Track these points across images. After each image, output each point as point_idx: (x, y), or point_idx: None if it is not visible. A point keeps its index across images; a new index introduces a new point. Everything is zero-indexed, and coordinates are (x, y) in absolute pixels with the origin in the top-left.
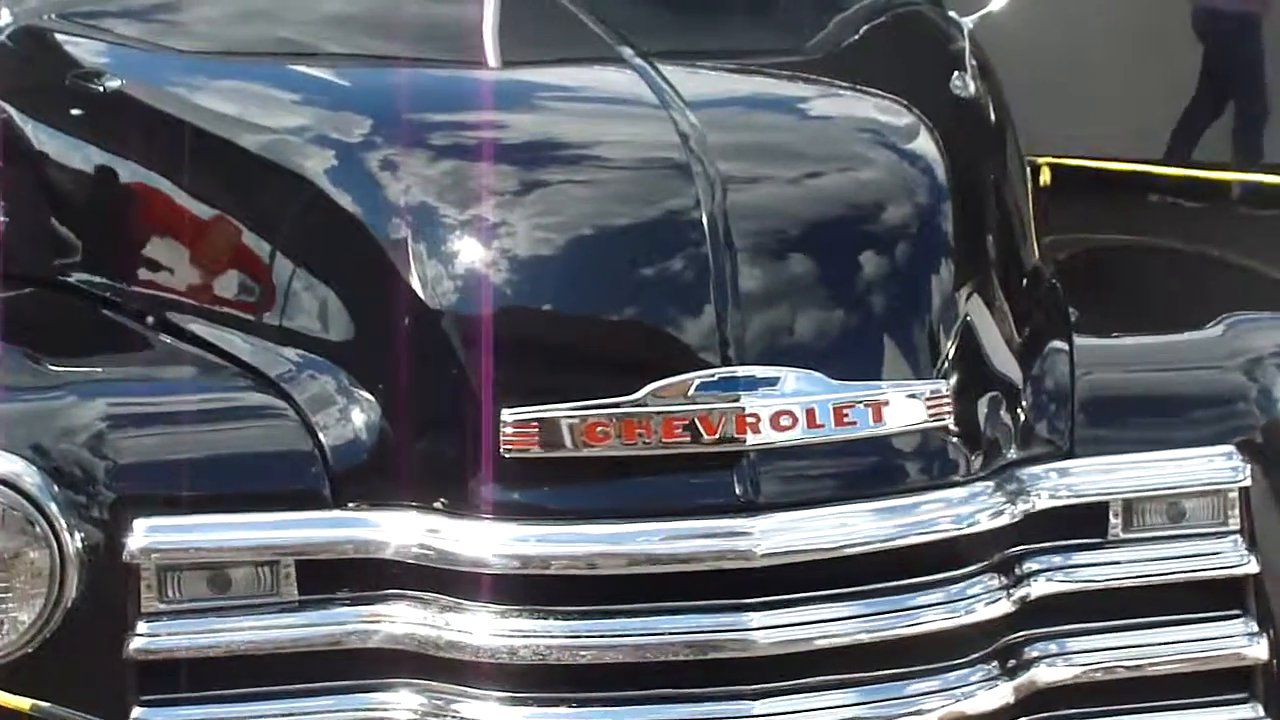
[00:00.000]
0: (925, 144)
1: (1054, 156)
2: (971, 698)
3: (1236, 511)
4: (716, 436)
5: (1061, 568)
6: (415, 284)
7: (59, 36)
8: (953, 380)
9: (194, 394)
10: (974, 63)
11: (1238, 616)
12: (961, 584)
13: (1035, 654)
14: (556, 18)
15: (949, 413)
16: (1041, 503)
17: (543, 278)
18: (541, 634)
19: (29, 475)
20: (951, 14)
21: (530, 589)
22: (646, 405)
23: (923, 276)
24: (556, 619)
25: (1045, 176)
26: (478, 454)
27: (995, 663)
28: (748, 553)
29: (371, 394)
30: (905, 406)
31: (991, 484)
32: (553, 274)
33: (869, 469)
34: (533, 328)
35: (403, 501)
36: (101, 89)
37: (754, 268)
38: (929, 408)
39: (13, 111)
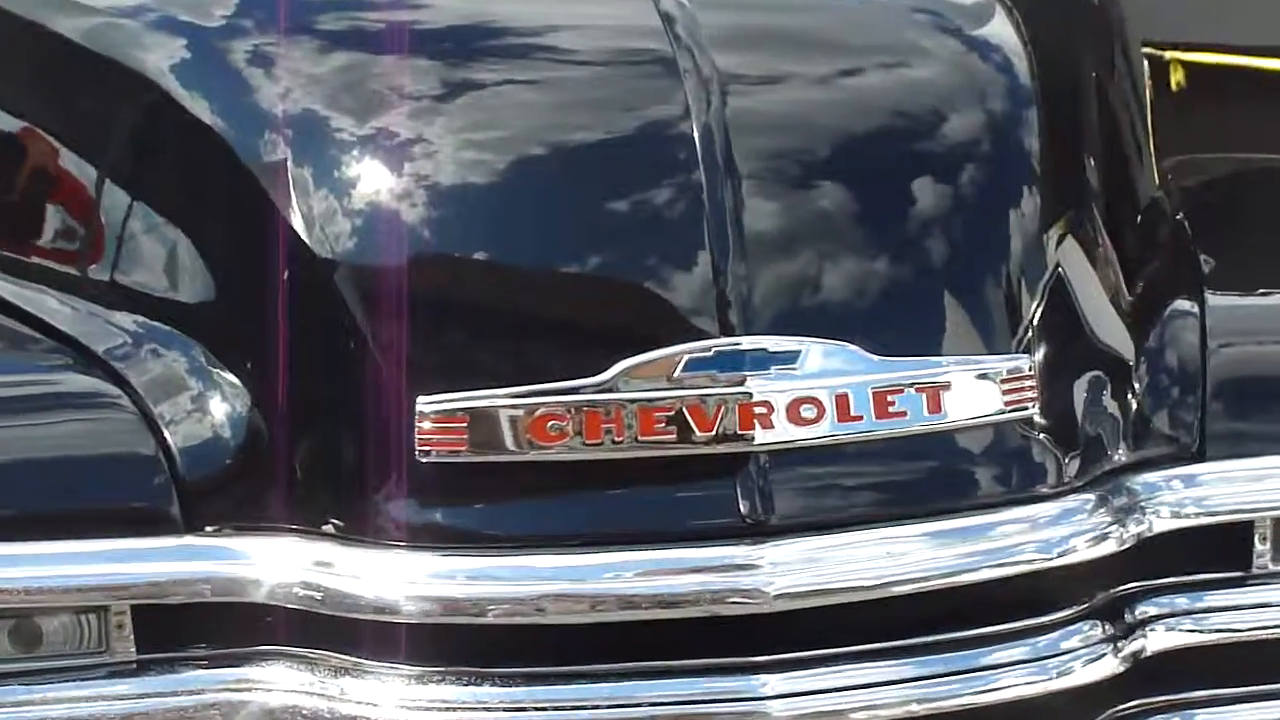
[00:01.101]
0: (1001, 29)
1: (1186, 49)
2: None
3: None
4: (713, 433)
5: (1189, 613)
6: (298, 224)
7: None
8: (1039, 355)
9: None
10: None
11: None
12: (1051, 636)
13: None
14: None
15: (1033, 399)
16: (1161, 523)
17: (474, 215)
18: (473, 706)
19: None
20: None
21: (457, 645)
22: (617, 390)
23: (997, 212)
24: (494, 685)
25: (1176, 76)
26: (384, 458)
27: None
28: (756, 593)
29: (238, 376)
30: (973, 391)
31: (1092, 498)
32: (488, 209)
33: (923, 478)
34: (461, 284)
35: (281, 524)
36: None
37: (764, 200)
38: (1006, 393)
39: None
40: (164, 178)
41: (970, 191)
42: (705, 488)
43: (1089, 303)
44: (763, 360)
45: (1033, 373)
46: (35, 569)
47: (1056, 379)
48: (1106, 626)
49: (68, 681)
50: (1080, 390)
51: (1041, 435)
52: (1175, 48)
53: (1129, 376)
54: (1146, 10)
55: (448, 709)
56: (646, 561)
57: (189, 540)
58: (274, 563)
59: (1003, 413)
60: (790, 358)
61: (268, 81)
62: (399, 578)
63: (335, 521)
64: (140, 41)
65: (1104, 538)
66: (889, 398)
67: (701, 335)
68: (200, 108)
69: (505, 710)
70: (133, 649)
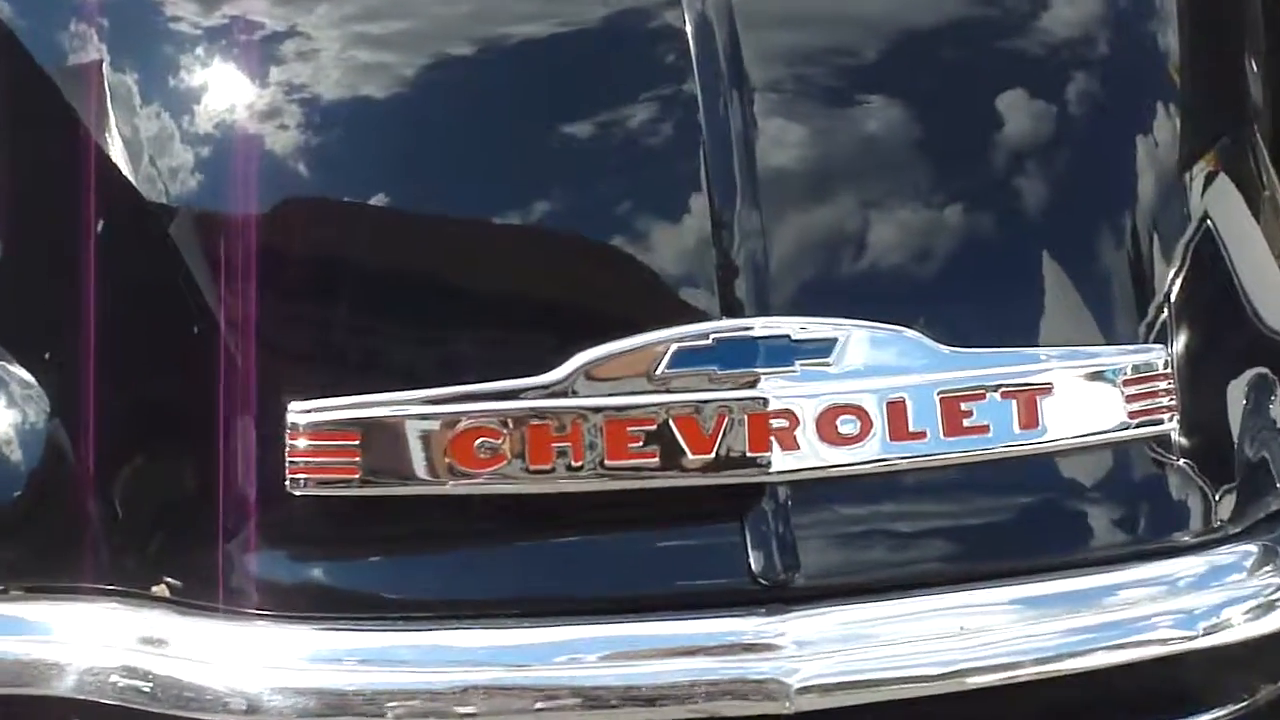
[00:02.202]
0: None
1: None
2: None
3: None
4: (712, 456)
5: None
6: (117, 154)
7: None
8: (1178, 346)
9: None
10: None
11: None
12: None
13: None
14: None
15: (1170, 409)
16: None
17: (370, 143)
18: None
19: None
20: None
21: None
22: (575, 394)
23: (1116, 140)
24: None
25: None
26: (241, 490)
27: None
28: (773, 685)
29: (31, 372)
30: (1084, 397)
31: (1255, 550)
32: (390, 134)
33: (1011, 522)
34: (351, 242)
35: (94, 584)
36: None
37: (784, 121)
38: (1131, 400)
39: None
40: None
41: (1077, 110)
42: (700, 534)
43: (1250, 270)
44: (783, 352)
45: (1169, 371)
46: None
47: (1203, 380)
48: None
49: None
50: (1237, 396)
51: (1182, 460)
52: None
53: None
54: None
55: None
56: (617, 639)
57: None
58: (84, 639)
59: (1126, 427)
60: (822, 349)
61: None
62: (262, 662)
63: (170, 581)
64: None
65: (1271, 607)
66: (963, 406)
67: (696, 316)
68: None
69: None
70: None
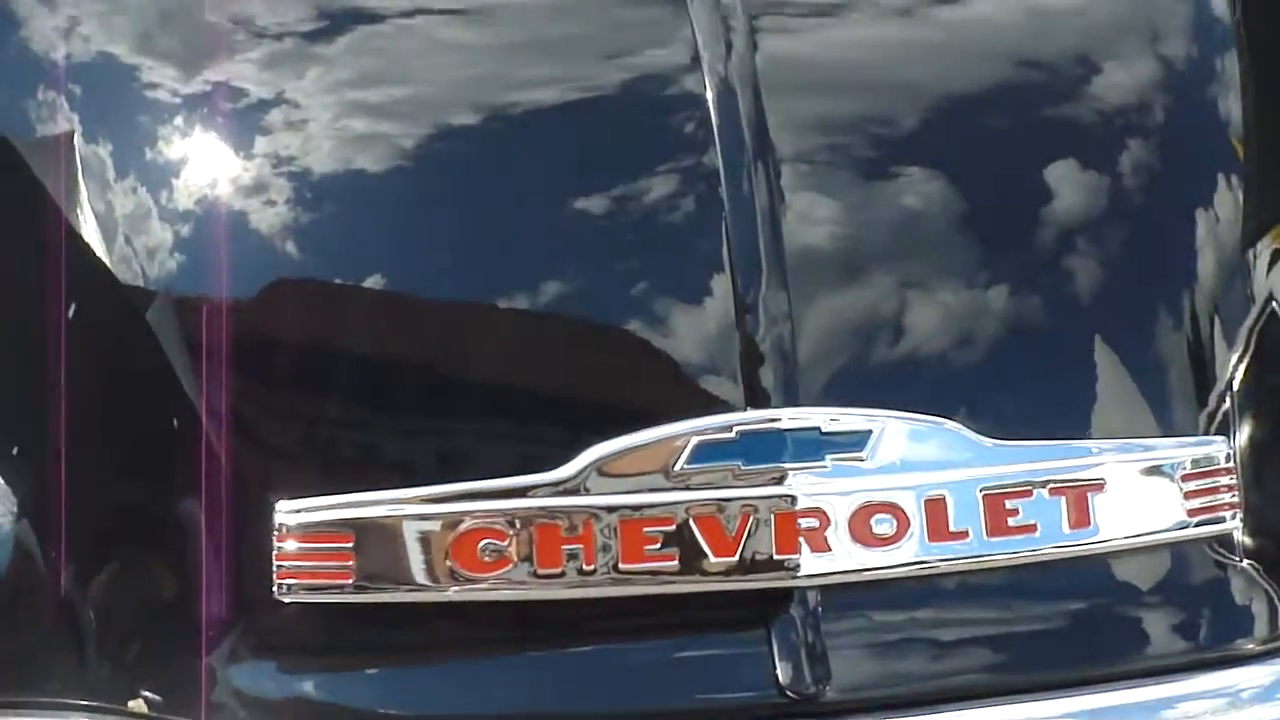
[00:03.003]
0: None
1: None
2: None
3: None
4: (736, 559)
5: None
6: (89, 233)
7: None
8: (1241, 438)
9: None
10: None
11: None
12: None
13: None
14: None
15: (1233, 506)
16: None
17: (364, 220)
18: None
19: None
20: None
21: None
22: (587, 492)
23: (1173, 215)
24: None
25: None
26: (225, 597)
27: None
28: None
29: (1, 474)
30: (1139, 494)
31: None
32: (385, 212)
33: (1062, 629)
34: (343, 328)
35: (66, 698)
36: None
37: (813, 196)
38: (1191, 496)
39: None
40: None
41: (1132, 183)
42: (723, 644)
43: None
44: (813, 446)
45: (1231, 464)
46: None
47: (1269, 474)
48: None
49: None
50: None
51: (1245, 562)
52: None
53: None
54: None
55: None
56: None
57: None
58: None
59: (1185, 526)
60: (855, 442)
61: (41, 9)
62: None
63: (149, 695)
64: None
65: None
66: (1008, 504)
67: (718, 407)
68: None
69: None
70: None
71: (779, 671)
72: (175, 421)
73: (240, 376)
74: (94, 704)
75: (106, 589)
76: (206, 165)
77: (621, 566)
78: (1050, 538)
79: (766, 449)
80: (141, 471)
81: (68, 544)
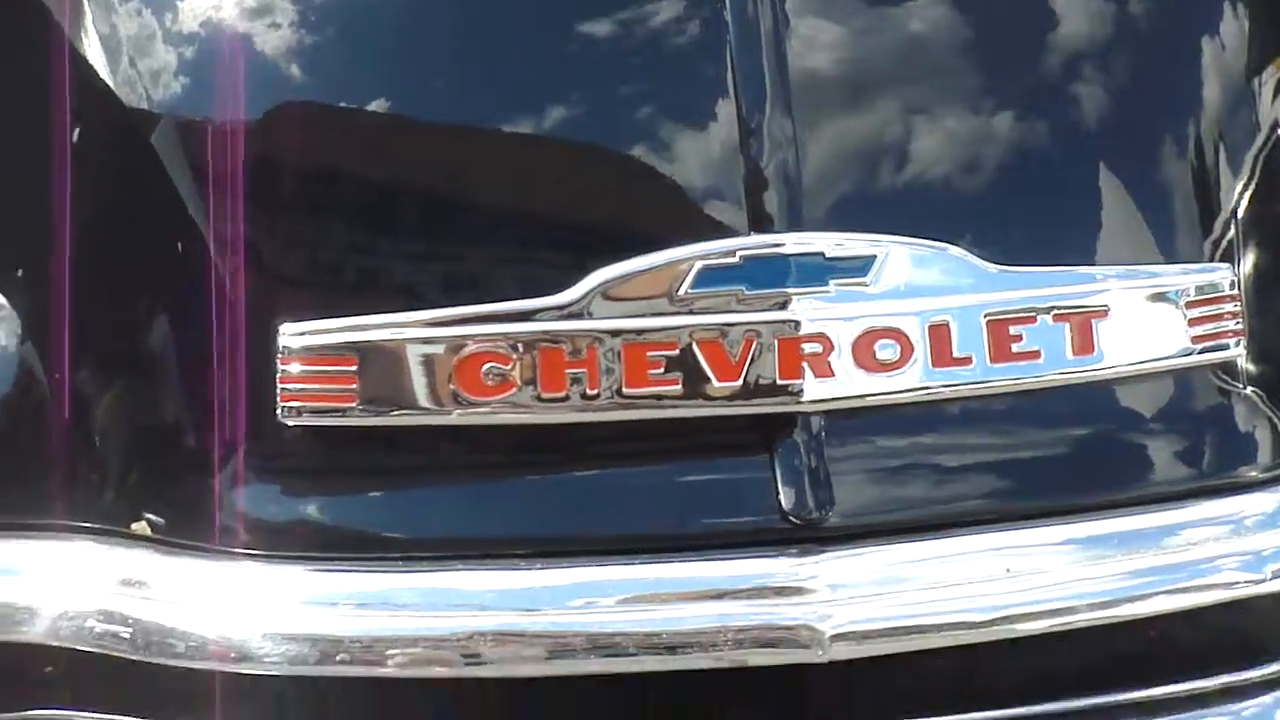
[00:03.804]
0: None
1: None
2: None
3: None
4: (739, 384)
5: None
6: (92, 52)
7: None
8: (1246, 265)
9: None
10: None
11: None
12: (1263, 702)
13: None
14: None
15: (1236, 334)
16: None
17: (369, 36)
18: None
19: None
20: None
21: (342, 710)
22: (590, 316)
23: (1180, 37)
24: None
25: None
26: (228, 420)
27: None
28: (805, 631)
29: (6, 297)
30: (1144, 320)
31: None
32: (390, 26)
33: (1064, 455)
34: (348, 148)
35: (69, 521)
36: None
37: (817, 26)
38: (1195, 323)
39: None
40: None
41: (1138, 9)
42: (727, 468)
43: None
44: (817, 271)
45: (1235, 291)
46: None
47: (1273, 301)
48: None
49: None
50: None
51: (1249, 389)
52: None
53: None
54: None
55: None
56: (636, 582)
57: None
58: (57, 581)
59: (1189, 353)
60: (859, 267)
61: None
62: (252, 605)
63: (152, 518)
64: None
65: None
66: (1012, 330)
67: (722, 232)
68: None
69: None
70: None
71: (781, 497)
72: (179, 245)
73: (244, 200)
74: (98, 526)
75: (110, 412)
76: None
77: (625, 390)
78: (1054, 364)
79: (770, 273)
80: (146, 295)
81: (71, 368)
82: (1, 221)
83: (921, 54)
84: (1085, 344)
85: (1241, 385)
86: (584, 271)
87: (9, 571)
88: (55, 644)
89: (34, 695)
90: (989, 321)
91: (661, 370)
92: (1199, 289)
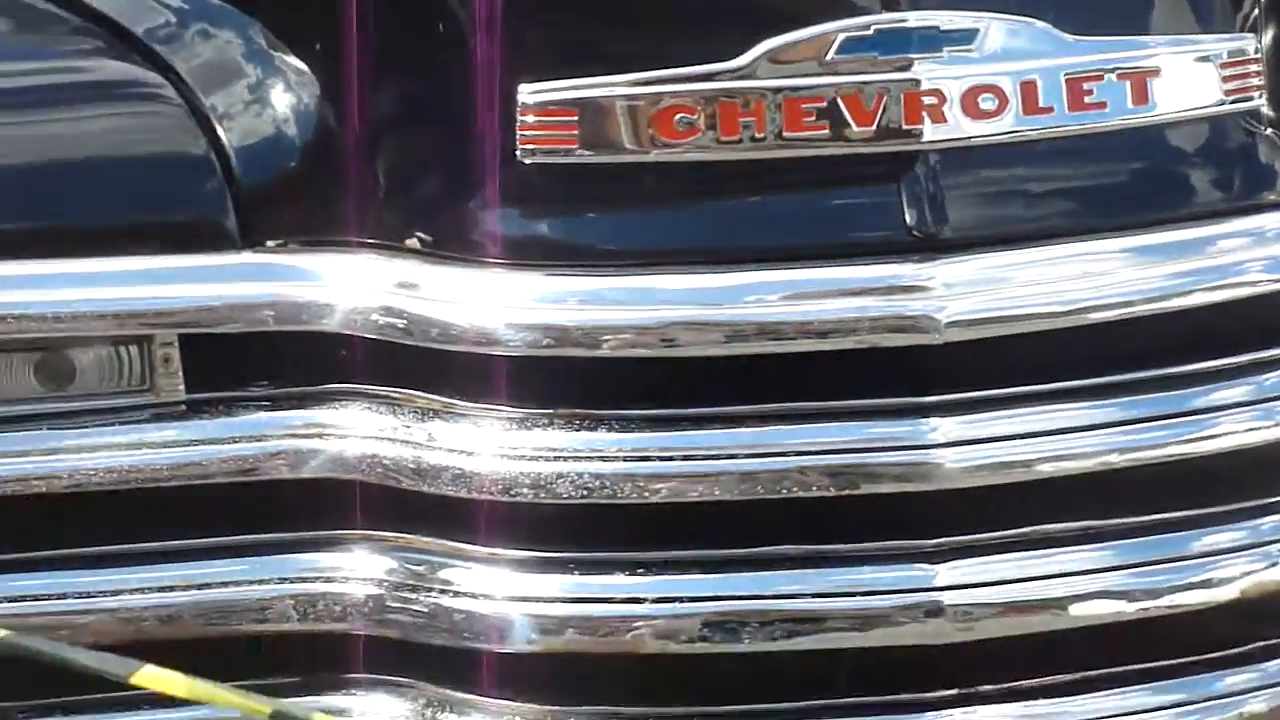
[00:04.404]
0: None
1: None
2: None
3: None
4: (873, 128)
5: None
6: None
7: None
8: (1268, 35)
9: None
10: None
11: None
12: None
13: None
14: None
15: (1259, 88)
16: None
17: None
18: (585, 454)
19: None
20: None
21: (567, 382)
22: (758, 77)
23: None
24: (611, 430)
25: None
26: (480, 159)
27: None
28: (926, 320)
29: (304, 60)
30: (1187, 78)
31: None
32: None
33: (1125, 182)
34: None
35: (357, 238)
36: None
37: None
38: (1227, 80)
39: None
40: None
41: None
42: (863, 194)
43: None
44: (933, 40)
45: (1258, 55)
46: (64, 291)
47: None
48: None
49: (104, 425)
50: None
51: (1270, 130)
52: None
53: None
54: None
55: (556, 457)
56: (793, 282)
57: (247, 258)
58: (349, 284)
59: (1222, 104)
60: (966, 37)
61: None
62: (498, 302)
63: (421, 235)
64: None
65: None
66: (1085, 85)
67: (859, 10)
68: None
69: (625, 459)
70: (181, 387)
71: (906, 215)
72: (441, 23)
73: None
74: (380, 242)
75: (390, 154)
76: None
77: (784, 134)
78: (1117, 112)
79: (898, 43)
80: (417, 67)
81: (360, 120)
82: (301, 10)
83: None
84: (1141, 96)
85: (1263, 128)
86: (754, 42)
87: (313, 277)
88: (348, 333)
89: (331, 374)
90: (1067, 79)
91: (813, 119)
92: (1230, 53)
